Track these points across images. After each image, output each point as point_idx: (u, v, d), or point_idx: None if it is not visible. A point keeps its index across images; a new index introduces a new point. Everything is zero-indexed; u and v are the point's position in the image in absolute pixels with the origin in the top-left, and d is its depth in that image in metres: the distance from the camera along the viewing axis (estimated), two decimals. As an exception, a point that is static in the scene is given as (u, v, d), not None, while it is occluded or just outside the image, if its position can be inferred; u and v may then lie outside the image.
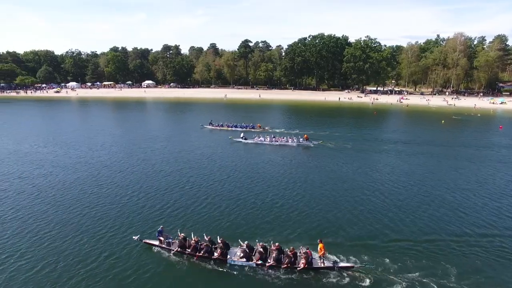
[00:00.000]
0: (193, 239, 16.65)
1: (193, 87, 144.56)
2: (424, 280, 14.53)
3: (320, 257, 15.43)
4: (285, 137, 42.64)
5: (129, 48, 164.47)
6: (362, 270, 15.16)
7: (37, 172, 29.05)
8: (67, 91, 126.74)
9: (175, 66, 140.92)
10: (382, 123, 64.29)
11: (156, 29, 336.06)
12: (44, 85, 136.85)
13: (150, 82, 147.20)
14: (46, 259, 16.12)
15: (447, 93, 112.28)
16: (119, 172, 29.20)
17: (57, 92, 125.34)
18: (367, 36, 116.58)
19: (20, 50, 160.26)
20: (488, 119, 70.27)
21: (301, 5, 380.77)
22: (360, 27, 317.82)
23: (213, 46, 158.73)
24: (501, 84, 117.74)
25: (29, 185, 25.82)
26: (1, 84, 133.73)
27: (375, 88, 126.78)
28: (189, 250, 16.38)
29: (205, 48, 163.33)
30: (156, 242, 17.13)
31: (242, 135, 43.49)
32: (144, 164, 31.76)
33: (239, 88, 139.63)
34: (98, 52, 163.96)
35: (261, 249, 15.82)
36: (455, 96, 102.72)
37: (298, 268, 15.16)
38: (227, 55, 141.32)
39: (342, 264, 15.40)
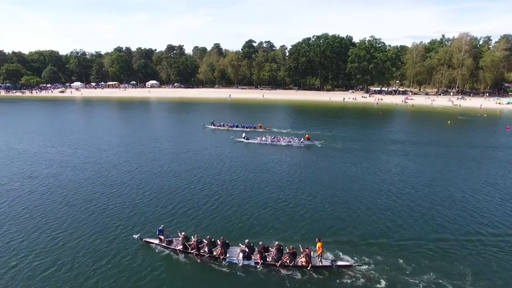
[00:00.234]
0: (194, 238, 16.76)
1: (197, 87, 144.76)
2: (424, 280, 14.58)
3: (318, 256, 15.55)
4: (286, 137, 42.73)
5: (133, 48, 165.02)
6: (361, 269, 15.30)
7: (47, 172, 29.22)
8: (71, 91, 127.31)
9: (179, 66, 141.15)
10: (388, 123, 64.06)
11: (158, 29, 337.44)
12: (49, 85, 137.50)
13: (154, 82, 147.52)
14: (47, 256, 16.29)
15: (451, 93, 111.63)
16: (127, 172, 29.30)
17: (62, 92, 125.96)
18: (372, 36, 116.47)
19: (25, 51, 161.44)
20: (495, 119, 69.84)
21: (302, 5, 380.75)
22: (361, 27, 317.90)
23: (217, 46, 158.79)
24: (507, 84, 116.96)
25: (39, 185, 25.99)
26: (7, 84, 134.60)
27: (379, 88, 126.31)
28: (190, 248, 16.52)
29: (208, 48, 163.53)
30: (156, 241, 17.29)
31: (244, 135, 43.57)
32: (149, 164, 31.85)
33: (243, 88, 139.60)
34: (102, 52, 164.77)
35: (261, 248, 15.97)
36: (460, 97, 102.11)
37: (297, 267, 15.37)
38: (231, 55, 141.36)
39: (340, 263, 15.53)
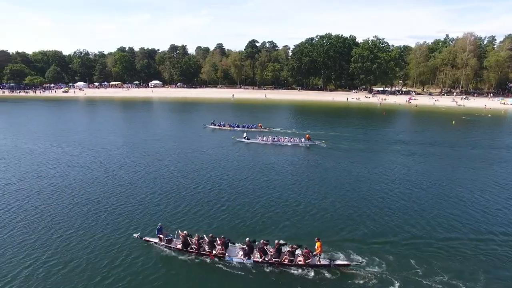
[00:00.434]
0: (195, 236, 16.89)
1: (200, 87, 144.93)
2: (424, 279, 14.68)
3: (317, 255, 15.71)
4: (287, 137, 42.83)
5: (136, 49, 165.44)
6: (359, 268, 15.44)
7: (54, 172, 29.31)
8: (74, 91, 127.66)
9: (182, 66, 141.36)
10: (392, 123, 63.93)
11: (159, 29, 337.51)
12: (52, 85, 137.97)
13: (157, 82, 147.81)
14: (49, 255, 16.45)
15: (454, 93, 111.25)
16: (132, 172, 29.34)
17: (65, 92, 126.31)
18: (375, 36, 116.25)
19: (27, 50, 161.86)
20: (500, 119, 69.54)
21: (302, 5, 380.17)
22: (362, 27, 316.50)
23: (219, 46, 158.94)
24: (511, 84, 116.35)
25: (48, 185, 26.09)
26: (11, 84, 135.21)
27: (382, 89, 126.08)
28: (190, 247, 16.63)
29: (211, 48, 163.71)
30: (156, 240, 17.41)
31: (244, 135, 43.66)
32: (151, 163, 31.96)
33: (246, 88, 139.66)
34: (104, 52, 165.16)
35: (261, 247, 16.12)
36: (464, 97, 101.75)
37: (295, 265, 15.55)
38: (234, 55, 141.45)
39: (338, 262, 15.68)
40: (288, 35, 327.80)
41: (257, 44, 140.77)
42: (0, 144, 40.50)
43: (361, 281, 14.63)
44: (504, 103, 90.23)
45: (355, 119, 68.41)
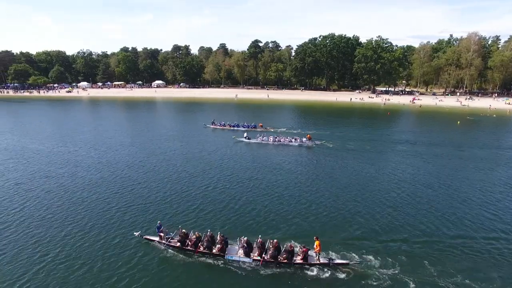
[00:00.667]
0: (194, 235, 17.07)
1: (203, 87, 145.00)
2: (423, 279, 14.83)
3: (316, 253, 15.86)
4: (288, 137, 42.86)
5: (139, 49, 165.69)
6: (357, 267, 15.57)
7: (61, 172, 29.45)
8: (78, 91, 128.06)
9: (185, 66, 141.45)
10: (397, 124, 63.71)
11: (162, 29, 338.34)
12: (56, 85, 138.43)
13: (160, 82, 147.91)
14: (51, 252, 16.69)
15: (458, 93, 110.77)
16: (140, 172, 29.49)
17: (69, 92, 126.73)
18: (379, 36, 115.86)
19: (31, 51, 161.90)
20: (505, 120, 69.13)
21: (303, 5, 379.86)
22: (363, 27, 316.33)
23: (222, 46, 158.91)
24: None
25: (57, 184, 26.22)
26: (15, 84, 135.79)
27: (385, 89, 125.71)
28: (190, 245, 16.76)
29: (214, 48, 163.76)
30: (157, 238, 17.58)
31: (245, 134, 43.74)
32: (152, 163, 32.14)
33: (249, 88, 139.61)
34: (107, 53, 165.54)
35: (260, 245, 16.27)
36: (468, 97, 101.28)
37: (294, 264, 15.69)
38: (237, 55, 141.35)
39: (337, 261, 15.82)
40: (288, 35, 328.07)
41: (260, 44, 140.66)
42: (8, 144, 40.72)
43: (360, 280, 14.81)
44: (509, 103, 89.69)
45: (360, 119, 68.24)
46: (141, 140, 43.12)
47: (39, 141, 42.32)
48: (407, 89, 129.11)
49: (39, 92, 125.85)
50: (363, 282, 14.67)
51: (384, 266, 15.66)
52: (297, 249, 16.15)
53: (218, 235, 16.91)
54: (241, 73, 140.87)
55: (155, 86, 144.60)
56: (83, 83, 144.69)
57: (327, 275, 15.22)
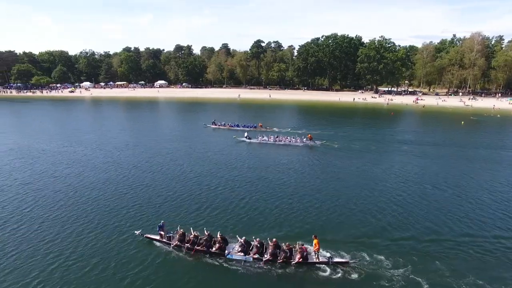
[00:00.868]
0: (193, 234, 17.18)
1: (205, 87, 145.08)
2: (421, 277, 14.88)
3: (315, 252, 15.95)
4: (288, 137, 42.89)
5: (141, 49, 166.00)
6: (356, 266, 15.61)
7: (68, 172, 29.50)
8: (81, 91, 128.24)
9: (188, 66, 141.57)
10: (401, 124, 63.61)
11: (163, 29, 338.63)
12: (58, 85, 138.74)
13: (162, 82, 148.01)
14: (53, 249, 16.86)
15: (460, 93, 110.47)
16: (143, 171, 29.52)
17: (72, 92, 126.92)
18: (382, 36, 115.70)
19: (30, 50, 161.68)
20: (509, 120, 68.91)
21: (304, 5, 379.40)
22: (363, 27, 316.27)
23: (225, 46, 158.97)
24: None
25: (63, 184, 26.27)
26: (18, 84, 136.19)
27: (387, 89, 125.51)
28: (189, 244, 16.86)
29: (216, 48, 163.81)
30: (157, 237, 17.68)
31: (246, 134, 43.77)
32: (154, 162, 32.19)
33: (251, 88, 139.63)
34: (109, 53, 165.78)
35: (258, 244, 16.35)
36: (472, 97, 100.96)
37: (293, 263, 15.72)
38: (239, 55, 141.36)
39: (336, 259, 15.86)
40: (288, 35, 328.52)
41: (262, 44, 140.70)
42: (14, 143, 40.81)
43: (360, 279, 14.89)
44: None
45: (363, 119, 68.17)
46: (144, 140, 43.21)
47: (45, 141, 42.41)
48: (409, 89, 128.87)
49: (42, 92, 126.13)
50: (362, 280, 14.77)
51: (384, 265, 15.72)
52: (296, 248, 16.25)
53: (218, 234, 17.07)
54: (244, 73, 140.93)
55: (158, 86, 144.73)
56: (86, 83, 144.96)
57: (326, 273, 15.29)
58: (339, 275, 15.14)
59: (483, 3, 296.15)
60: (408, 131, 53.01)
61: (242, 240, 16.61)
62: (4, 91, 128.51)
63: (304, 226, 19.46)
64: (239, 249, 16.36)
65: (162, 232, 17.48)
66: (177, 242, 17.06)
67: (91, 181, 26.98)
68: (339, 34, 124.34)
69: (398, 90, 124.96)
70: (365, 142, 42.74)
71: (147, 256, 16.45)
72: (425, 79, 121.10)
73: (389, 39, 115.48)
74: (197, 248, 16.66)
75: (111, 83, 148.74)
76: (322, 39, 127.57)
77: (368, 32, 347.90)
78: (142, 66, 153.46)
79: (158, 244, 17.45)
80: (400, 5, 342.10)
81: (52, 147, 38.84)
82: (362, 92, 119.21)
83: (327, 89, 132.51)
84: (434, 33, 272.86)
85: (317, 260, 15.80)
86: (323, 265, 15.66)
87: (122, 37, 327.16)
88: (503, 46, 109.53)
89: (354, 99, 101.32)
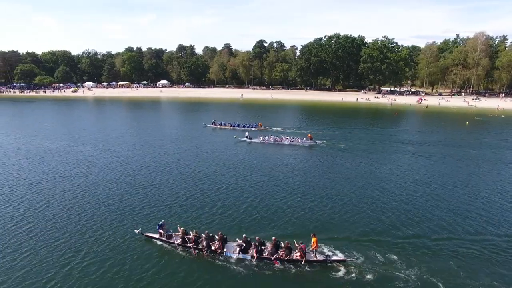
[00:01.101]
0: (193, 233, 17.23)
1: (208, 87, 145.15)
2: (419, 276, 14.98)
3: (313, 250, 16.05)
4: (289, 137, 42.96)
5: (144, 49, 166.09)
6: (354, 264, 15.74)
7: (76, 172, 29.54)
8: (83, 91, 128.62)
9: (191, 66, 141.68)
10: (405, 124, 63.49)
11: (165, 29, 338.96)
12: (61, 85, 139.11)
13: (165, 82, 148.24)
14: (57, 246, 17.00)
15: (463, 93, 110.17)
16: (148, 171, 29.55)
17: (74, 91, 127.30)
18: (385, 36, 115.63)
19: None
20: (514, 120, 68.61)
21: (306, 5, 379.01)
22: (363, 27, 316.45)
23: (227, 46, 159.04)
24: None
25: (71, 184, 26.31)
26: (21, 84, 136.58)
27: (389, 89, 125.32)
28: (188, 243, 16.98)
29: (218, 48, 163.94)
30: (157, 235, 17.78)
31: (246, 134, 43.80)
32: (157, 162, 32.22)
33: (254, 88, 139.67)
34: (112, 53, 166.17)
35: (258, 243, 16.44)
36: (475, 97, 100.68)
37: (292, 261, 15.89)
38: (242, 55, 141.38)
39: (334, 258, 16.03)
40: (288, 35, 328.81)
41: (265, 44, 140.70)
42: (20, 143, 40.93)
43: (357, 277, 15.00)
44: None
45: (368, 119, 68.14)
46: (147, 140, 43.28)
47: (51, 140, 42.52)
48: (412, 90, 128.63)
49: (45, 92, 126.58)
50: (360, 278, 14.90)
51: (382, 263, 15.83)
52: (294, 246, 16.39)
53: (217, 233, 17.17)
54: (246, 73, 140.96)
55: (160, 86, 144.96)
56: (89, 83, 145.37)
57: (324, 271, 15.44)
58: (337, 272, 15.32)
59: (485, 3, 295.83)
60: (413, 131, 52.92)
61: (242, 239, 16.75)
62: (8, 91, 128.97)
63: (304, 224, 19.63)
64: (239, 247, 16.52)
65: (161, 231, 17.64)
66: (178, 240, 17.20)
67: (97, 180, 27.03)
68: (344, 34, 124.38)
69: (401, 90, 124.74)
70: (370, 142, 42.71)
71: (146, 255, 16.59)
72: (428, 79, 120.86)
73: (392, 39, 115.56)
74: (198, 246, 16.82)
75: (114, 83, 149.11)
76: (325, 39, 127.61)
77: (368, 32, 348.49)
78: (144, 66, 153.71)
79: (157, 242, 17.63)
80: (400, 5, 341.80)
81: (59, 147, 38.95)
82: (365, 92, 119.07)
83: (329, 89, 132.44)
84: (435, 33, 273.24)
85: (315, 258, 15.99)
86: (321, 263, 15.85)
87: (124, 37, 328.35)
88: (506, 46, 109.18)
89: (357, 99, 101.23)
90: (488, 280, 14.68)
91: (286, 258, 15.96)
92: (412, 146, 40.84)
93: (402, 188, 25.72)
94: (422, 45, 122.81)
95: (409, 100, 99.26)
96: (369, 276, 14.92)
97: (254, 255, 16.22)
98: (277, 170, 30.33)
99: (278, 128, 51.28)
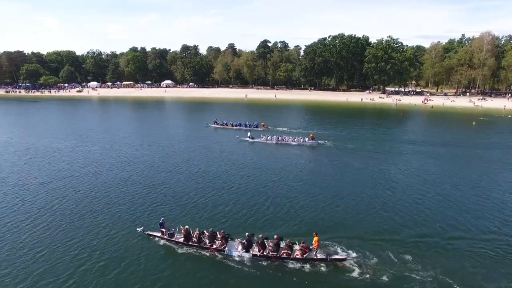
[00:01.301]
0: (195, 231, 17.37)
1: (212, 87, 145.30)
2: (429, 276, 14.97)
3: (314, 249, 16.20)
4: (291, 136, 43.03)
5: (148, 49, 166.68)
6: (354, 262, 15.88)
7: (85, 171, 29.70)
8: (88, 91, 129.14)
9: (195, 66, 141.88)
10: (411, 124, 63.27)
11: (167, 29, 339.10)
12: (66, 85, 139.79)
13: (169, 82, 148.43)
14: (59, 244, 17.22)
15: (467, 93, 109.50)
16: (154, 171, 29.72)
17: (79, 91, 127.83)
18: (389, 36, 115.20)
19: (41, 51, 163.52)
20: (521, 121, 68.12)
21: (307, 5, 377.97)
22: (363, 27, 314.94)
23: (231, 46, 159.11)
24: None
25: (83, 183, 26.46)
26: (27, 84, 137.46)
27: (394, 89, 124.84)
28: (191, 241, 17.11)
29: (222, 48, 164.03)
30: (159, 234, 17.92)
31: (249, 134, 43.86)
32: (161, 162, 32.38)
33: (258, 88, 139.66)
34: (116, 53, 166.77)
35: (260, 241, 16.56)
36: (481, 97, 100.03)
37: (293, 259, 16.02)
38: (246, 55, 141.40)
39: (335, 256, 16.13)
40: (288, 35, 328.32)
41: (269, 44, 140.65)
42: (29, 142, 41.18)
43: (358, 276, 15.08)
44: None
45: (373, 120, 67.98)
46: (155, 140, 43.49)
47: (59, 140, 42.78)
48: (417, 90, 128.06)
49: (50, 91, 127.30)
50: (361, 277, 14.99)
51: (382, 262, 15.90)
52: (296, 245, 16.53)
53: (219, 232, 17.27)
54: (250, 73, 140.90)
55: (164, 86, 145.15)
56: (93, 83, 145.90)
57: (325, 270, 15.55)
58: (337, 271, 15.47)
59: (485, 3, 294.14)
60: (419, 131, 52.74)
61: (244, 238, 16.83)
62: (14, 91, 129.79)
63: (306, 223, 19.78)
64: (241, 245, 16.65)
65: (163, 229, 17.76)
66: (181, 239, 17.32)
67: (107, 180, 27.19)
68: (350, 34, 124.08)
69: (406, 90, 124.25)
70: (377, 142, 42.60)
71: (148, 253, 16.73)
72: (433, 79, 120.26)
73: (397, 39, 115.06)
74: (200, 245, 16.92)
75: (118, 82, 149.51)
76: (329, 39, 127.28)
77: (368, 32, 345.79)
78: (148, 66, 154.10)
79: (159, 241, 17.77)
80: (400, 5, 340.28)
81: (67, 146, 39.18)
82: (370, 93, 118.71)
83: (333, 90, 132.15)
84: (435, 33, 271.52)
85: (316, 257, 16.08)
86: (322, 262, 15.94)
87: (125, 37, 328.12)
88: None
89: (362, 99, 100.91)
90: (505, 282, 14.59)
91: (287, 256, 16.10)
92: (420, 146, 40.68)
93: (414, 189, 25.65)
94: (423, 45, 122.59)
95: (414, 100, 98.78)
96: (369, 275, 15.03)
97: (256, 253, 16.36)
98: (280, 169, 30.43)
99: (280, 128, 51.35)
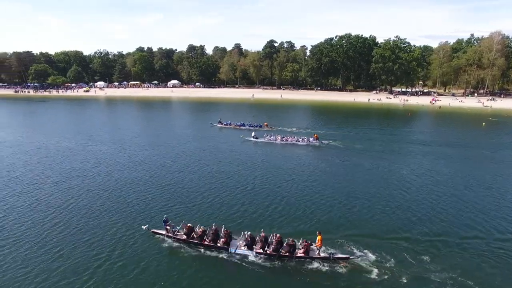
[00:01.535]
0: (199, 228, 17.57)
1: (218, 87, 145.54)
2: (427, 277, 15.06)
3: (317, 248, 16.30)
4: (295, 137, 43.07)
5: (154, 49, 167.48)
6: (357, 262, 15.95)
7: (97, 170, 30.00)
8: (95, 91, 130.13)
9: (201, 66, 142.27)
10: (420, 125, 62.72)
11: (171, 29, 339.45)
12: (74, 85, 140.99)
13: (176, 82, 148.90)
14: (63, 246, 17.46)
15: (476, 94, 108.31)
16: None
17: (87, 91, 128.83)
18: (397, 36, 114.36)
19: (49, 51, 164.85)
20: (532, 121, 67.24)
21: (309, 5, 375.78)
22: (364, 26, 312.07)
23: (237, 46, 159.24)
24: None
25: (96, 183, 26.74)
26: (35, 84, 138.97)
27: (401, 89, 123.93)
28: (195, 238, 17.29)
29: (228, 48, 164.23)
30: (163, 231, 18.17)
31: (253, 134, 43.94)
32: (166, 161, 32.77)
33: (264, 89, 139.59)
34: (123, 53, 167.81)
35: (263, 239, 16.72)
36: (491, 97, 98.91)
37: (296, 258, 16.13)
38: (252, 55, 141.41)
39: (337, 255, 16.19)
40: (288, 35, 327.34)
41: (275, 44, 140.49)
42: (40, 142, 41.67)
43: (360, 274, 15.19)
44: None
45: (381, 120, 67.54)
46: (163, 140, 43.82)
47: (70, 140, 43.22)
48: (424, 90, 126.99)
49: (58, 91, 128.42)
50: (363, 276, 15.09)
51: (384, 262, 15.99)
52: (299, 243, 16.61)
53: (222, 229, 17.43)
54: (257, 73, 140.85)
55: (171, 85, 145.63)
56: (100, 83, 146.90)
57: (327, 268, 15.68)
58: (340, 270, 15.58)
59: (485, 3, 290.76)
60: (428, 132, 52.33)
61: (247, 235, 16.95)
62: (22, 91, 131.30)
63: (310, 222, 20.00)
64: (244, 243, 16.78)
65: (168, 227, 18.01)
66: (184, 236, 17.51)
67: (120, 179, 27.48)
68: (357, 34, 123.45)
69: (413, 90, 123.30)
70: (386, 142, 42.38)
71: (153, 250, 17.02)
72: (440, 79, 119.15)
73: (404, 39, 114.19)
74: (203, 242, 17.07)
75: (125, 82, 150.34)
76: (336, 39, 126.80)
77: (368, 32, 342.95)
78: (155, 66, 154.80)
79: (164, 238, 18.02)
80: (400, 5, 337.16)
81: (77, 146, 39.59)
82: (377, 93, 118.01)
83: (340, 90, 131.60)
84: (444, 33, 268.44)
85: (319, 256, 16.16)
86: (325, 261, 16.02)
87: (125, 37, 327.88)
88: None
89: (369, 99, 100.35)
90: (525, 284, 14.46)
91: (290, 255, 16.19)
92: (430, 147, 40.39)
93: (428, 190, 25.56)
94: (431, 45, 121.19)
95: (422, 101, 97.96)
96: (371, 274, 15.17)
97: (259, 251, 16.48)
98: (285, 169, 30.65)
99: (283, 128, 51.39)
